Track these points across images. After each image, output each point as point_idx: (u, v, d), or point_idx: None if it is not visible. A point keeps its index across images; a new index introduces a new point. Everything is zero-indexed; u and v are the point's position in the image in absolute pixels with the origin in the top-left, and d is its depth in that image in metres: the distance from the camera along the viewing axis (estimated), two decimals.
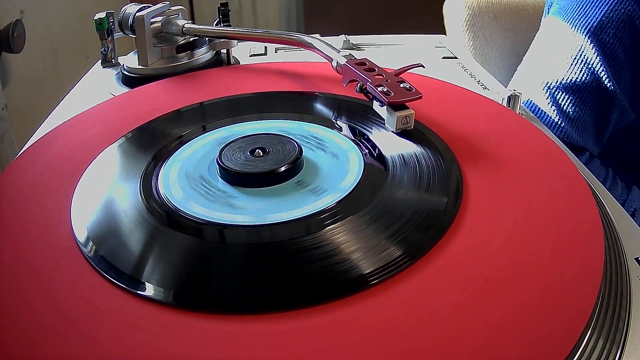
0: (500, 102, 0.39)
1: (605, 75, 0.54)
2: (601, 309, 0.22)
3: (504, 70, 0.80)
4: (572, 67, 0.56)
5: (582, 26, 0.55)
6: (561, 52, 0.57)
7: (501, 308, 0.21)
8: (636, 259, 0.26)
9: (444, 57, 0.54)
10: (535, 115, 0.57)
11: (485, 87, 0.47)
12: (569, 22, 0.56)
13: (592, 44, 0.54)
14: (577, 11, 0.56)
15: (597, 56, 0.54)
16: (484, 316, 0.20)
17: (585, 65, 0.55)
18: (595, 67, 0.54)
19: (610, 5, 0.54)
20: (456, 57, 0.54)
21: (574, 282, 0.22)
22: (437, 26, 0.83)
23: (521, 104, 0.39)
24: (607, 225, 0.27)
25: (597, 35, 0.54)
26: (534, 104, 0.58)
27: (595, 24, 0.54)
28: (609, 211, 0.29)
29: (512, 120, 0.36)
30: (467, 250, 0.24)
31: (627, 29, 0.53)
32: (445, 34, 0.79)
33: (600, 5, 0.54)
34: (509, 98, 0.38)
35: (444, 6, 0.84)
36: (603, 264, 0.23)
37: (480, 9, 0.80)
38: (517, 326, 0.20)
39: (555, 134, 0.52)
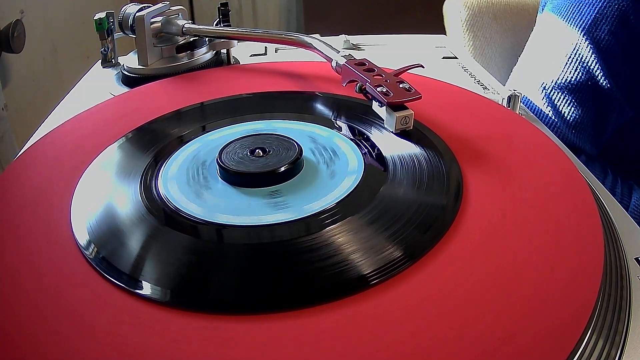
0: (500, 102, 0.39)
1: (601, 74, 0.54)
2: (601, 309, 0.22)
3: (504, 70, 0.80)
4: (567, 66, 0.55)
5: (577, 24, 0.55)
6: (556, 51, 0.57)
7: (501, 309, 0.21)
8: (636, 259, 0.26)
9: (444, 57, 0.54)
10: (535, 115, 0.57)
11: (485, 87, 0.47)
12: (563, 20, 0.56)
13: (587, 42, 0.54)
14: (570, 9, 0.56)
15: (592, 54, 0.54)
16: (483, 317, 0.20)
17: (581, 64, 0.55)
18: (591, 65, 0.54)
19: (603, 2, 0.53)
20: (456, 57, 0.54)
21: (573, 282, 0.22)
22: (437, 26, 0.83)
23: (521, 104, 0.39)
24: (607, 225, 0.27)
25: (592, 32, 0.54)
26: (533, 103, 0.58)
27: (589, 21, 0.54)
28: (609, 211, 0.29)
29: (512, 120, 0.36)
30: (466, 251, 0.24)
31: (621, 25, 0.53)
32: (445, 34, 0.79)
33: (593, 2, 0.54)
34: (509, 98, 0.38)
35: (444, 6, 0.84)
36: (603, 264, 0.23)
37: (480, 9, 0.80)
38: (517, 326, 0.20)
39: (553, 134, 0.52)
